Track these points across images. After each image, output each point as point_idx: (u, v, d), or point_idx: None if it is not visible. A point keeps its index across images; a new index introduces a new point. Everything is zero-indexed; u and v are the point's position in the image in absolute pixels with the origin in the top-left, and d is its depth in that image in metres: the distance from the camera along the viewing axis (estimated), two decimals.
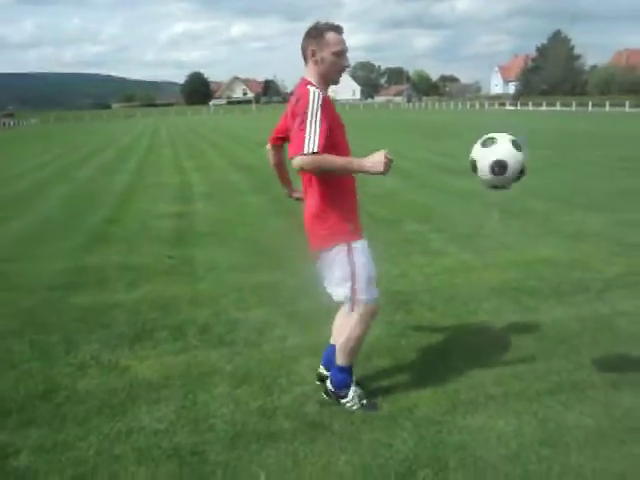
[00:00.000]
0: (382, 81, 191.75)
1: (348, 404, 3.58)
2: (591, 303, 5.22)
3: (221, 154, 21.67)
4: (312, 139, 3.08)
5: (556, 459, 3.05)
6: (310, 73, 3.35)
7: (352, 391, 3.59)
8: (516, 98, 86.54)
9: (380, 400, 3.66)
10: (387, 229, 8.38)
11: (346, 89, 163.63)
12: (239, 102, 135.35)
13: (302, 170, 3.21)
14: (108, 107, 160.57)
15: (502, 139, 3.37)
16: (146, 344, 4.66)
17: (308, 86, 3.25)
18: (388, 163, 3.09)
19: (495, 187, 3.41)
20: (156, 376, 4.10)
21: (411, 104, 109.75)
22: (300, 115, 3.14)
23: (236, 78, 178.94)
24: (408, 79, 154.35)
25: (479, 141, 3.41)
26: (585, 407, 3.53)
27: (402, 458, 3.10)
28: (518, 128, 23.98)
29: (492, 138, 3.38)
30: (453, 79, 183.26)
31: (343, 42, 3.30)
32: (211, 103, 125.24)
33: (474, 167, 3.37)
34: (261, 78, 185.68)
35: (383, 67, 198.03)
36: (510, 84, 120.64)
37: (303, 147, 3.08)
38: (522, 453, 3.12)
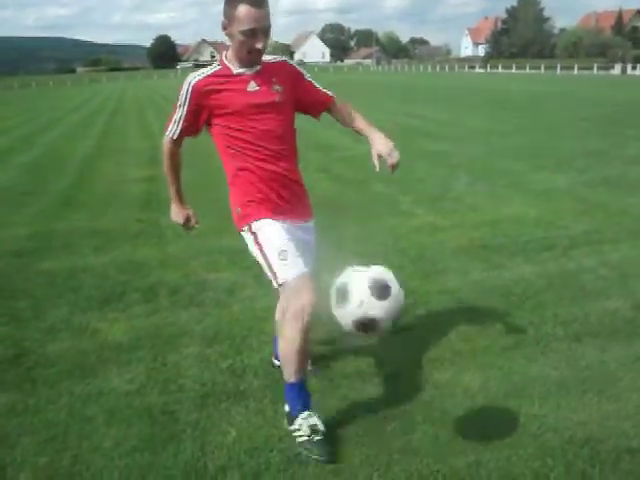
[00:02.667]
0: (352, 43, 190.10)
1: (294, 431, 2.92)
2: (557, 260, 5.32)
3: None
4: (173, 124, 3.03)
5: (520, 410, 3.13)
6: (230, 47, 2.96)
7: (301, 418, 2.92)
8: (486, 61, 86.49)
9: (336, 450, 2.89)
10: (355, 191, 8.42)
11: (315, 52, 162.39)
12: (206, 65, 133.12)
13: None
14: (73, 72, 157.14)
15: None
16: (116, 307, 4.65)
17: (191, 73, 3.00)
18: (182, 225, 3.26)
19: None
20: (126, 338, 4.10)
21: (380, 67, 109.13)
22: (178, 98, 3.00)
23: (204, 41, 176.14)
24: (377, 41, 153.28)
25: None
26: (549, 360, 3.62)
27: (370, 413, 3.16)
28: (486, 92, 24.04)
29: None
30: (423, 41, 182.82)
31: (258, 19, 2.74)
32: (178, 66, 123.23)
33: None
34: (229, 41, 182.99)
35: (353, 29, 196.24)
36: (480, 47, 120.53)
37: (166, 130, 3.07)
38: (487, 405, 3.20)
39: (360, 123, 3.14)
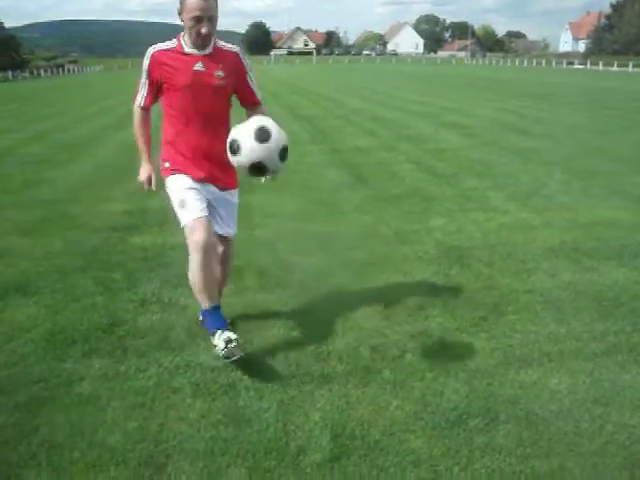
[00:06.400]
0: (446, 35, 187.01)
1: (215, 347, 3.49)
2: None
3: (281, 104, 21.61)
4: (139, 94, 3.61)
5: (609, 418, 3.03)
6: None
7: (217, 336, 3.47)
8: (586, 57, 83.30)
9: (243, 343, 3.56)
10: (446, 184, 8.29)
11: (409, 42, 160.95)
12: (300, 53, 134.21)
13: None
14: None
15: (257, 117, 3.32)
16: None
17: (152, 45, 3.54)
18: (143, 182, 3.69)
19: (259, 166, 3.13)
20: None
21: (475, 60, 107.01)
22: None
23: (298, 29, 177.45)
24: (473, 34, 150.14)
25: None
26: None
27: (453, 407, 3.13)
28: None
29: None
30: (520, 35, 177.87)
31: (203, 9, 3.30)
32: (272, 53, 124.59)
33: (233, 146, 3.16)
34: (323, 29, 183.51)
35: (448, 21, 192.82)
36: (580, 42, 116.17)
37: (135, 100, 3.63)
38: (574, 410, 3.11)
39: None
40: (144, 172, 3.69)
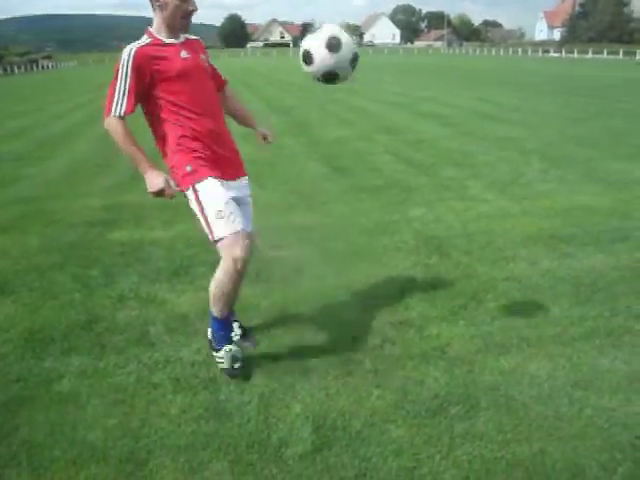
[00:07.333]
0: (422, 25, 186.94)
1: (218, 359, 3.42)
2: (630, 252, 5.13)
3: (259, 97, 21.51)
4: (115, 102, 3.10)
5: (588, 402, 3.06)
6: (155, 20, 3.23)
7: (224, 350, 3.37)
8: (561, 45, 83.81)
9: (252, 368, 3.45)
10: (424, 174, 8.31)
11: (385, 33, 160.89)
12: (276, 45, 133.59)
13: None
14: None
15: (328, 26, 3.21)
16: (183, 279, 4.74)
17: (127, 45, 3.17)
18: (160, 194, 3.10)
19: (330, 74, 3.17)
20: (193, 310, 4.18)
21: (451, 50, 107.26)
22: (114, 75, 3.11)
23: (274, 20, 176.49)
24: (449, 24, 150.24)
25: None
26: (620, 353, 3.52)
27: (433, 395, 3.14)
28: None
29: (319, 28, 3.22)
30: (496, 24, 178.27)
31: None
32: (248, 45, 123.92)
33: (307, 56, 3.14)
34: (299, 21, 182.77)
35: (424, 11, 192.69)
36: (555, 30, 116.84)
37: (110, 110, 3.10)
38: (554, 395, 3.13)
39: (246, 111, 3.90)
40: (158, 178, 3.09)
